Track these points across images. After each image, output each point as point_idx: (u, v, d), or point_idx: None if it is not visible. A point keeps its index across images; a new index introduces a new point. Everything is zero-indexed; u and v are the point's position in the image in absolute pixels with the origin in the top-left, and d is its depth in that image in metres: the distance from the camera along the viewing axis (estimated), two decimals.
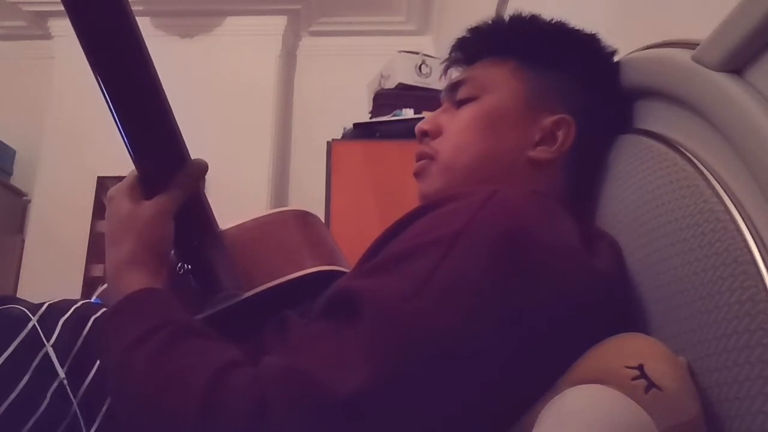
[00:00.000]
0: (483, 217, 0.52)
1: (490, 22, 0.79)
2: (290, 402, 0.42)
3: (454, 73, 0.81)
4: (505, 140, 0.70)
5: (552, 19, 0.76)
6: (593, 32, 0.76)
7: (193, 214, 0.66)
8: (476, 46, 0.78)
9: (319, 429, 0.41)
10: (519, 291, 0.50)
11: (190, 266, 0.65)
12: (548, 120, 0.70)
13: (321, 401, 0.41)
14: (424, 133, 0.76)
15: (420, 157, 0.75)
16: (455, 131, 0.73)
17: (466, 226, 0.51)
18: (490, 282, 0.48)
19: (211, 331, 0.53)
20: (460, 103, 0.74)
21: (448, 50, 0.82)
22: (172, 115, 0.58)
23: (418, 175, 0.75)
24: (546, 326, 0.51)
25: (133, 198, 0.62)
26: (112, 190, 0.64)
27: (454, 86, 0.76)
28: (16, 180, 3.22)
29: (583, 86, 0.72)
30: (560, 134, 0.70)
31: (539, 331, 0.50)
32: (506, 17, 0.78)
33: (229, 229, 0.70)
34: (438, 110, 0.78)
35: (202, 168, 0.65)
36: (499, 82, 0.73)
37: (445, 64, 0.82)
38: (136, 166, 0.63)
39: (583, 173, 0.73)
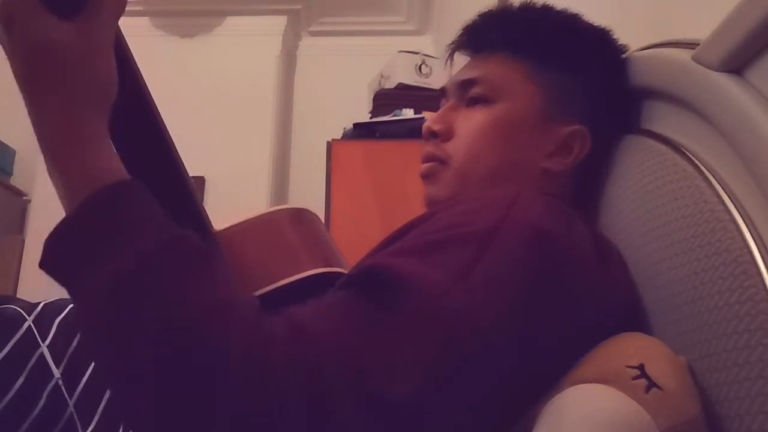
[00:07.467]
0: (514, 217, 0.51)
1: (500, 10, 0.76)
2: (344, 387, 0.39)
3: (460, 59, 0.78)
4: (520, 150, 0.70)
5: (564, 12, 0.74)
6: (605, 28, 0.74)
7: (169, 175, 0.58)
8: (485, 34, 0.76)
9: (371, 427, 0.39)
10: (550, 290, 0.50)
11: None
12: (564, 131, 0.70)
13: (374, 396, 0.39)
14: (433, 134, 0.73)
15: (429, 158, 0.73)
16: (468, 136, 0.71)
17: (500, 223, 0.50)
18: (526, 280, 0.49)
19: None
20: (471, 101, 0.72)
21: (454, 38, 0.79)
22: None
23: (426, 177, 0.73)
24: (566, 325, 0.51)
25: (44, 15, 0.43)
26: (3, 3, 0.43)
27: (464, 84, 0.73)
28: (16, 180, 3.22)
29: (597, 87, 0.71)
30: (575, 146, 0.70)
31: (561, 329, 0.51)
32: (516, 7, 0.76)
33: (224, 230, 0.69)
34: (446, 107, 0.75)
35: None
36: (515, 88, 0.71)
37: (451, 48, 0.79)
38: None
39: (591, 179, 0.73)
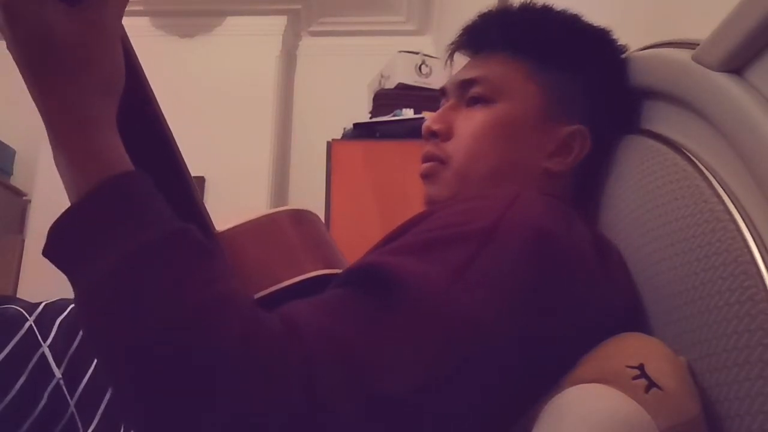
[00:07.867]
0: (513, 216, 0.51)
1: (500, 10, 0.76)
2: (343, 386, 0.39)
3: (460, 59, 0.78)
4: (521, 150, 0.70)
5: (564, 12, 0.74)
6: (605, 28, 0.74)
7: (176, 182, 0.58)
8: (485, 34, 0.76)
9: (371, 426, 0.39)
10: (549, 290, 0.50)
11: None
12: (564, 131, 0.70)
13: (374, 395, 0.39)
14: (433, 133, 0.73)
15: (429, 158, 0.73)
16: (469, 136, 0.70)
17: (500, 222, 0.50)
18: (526, 279, 0.49)
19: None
20: (471, 101, 0.72)
21: (454, 38, 0.79)
22: None
23: (426, 177, 0.73)
24: (566, 325, 0.51)
25: (48, 1, 0.41)
26: None
27: (464, 84, 0.73)
28: (16, 180, 3.22)
29: (597, 87, 0.71)
30: (575, 146, 0.70)
31: (561, 329, 0.51)
32: (516, 7, 0.76)
33: (225, 231, 0.69)
34: (445, 106, 0.75)
35: None
36: (515, 88, 0.71)
37: (451, 48, 0.79)
38: None
39: (591, 179, 0.73)
